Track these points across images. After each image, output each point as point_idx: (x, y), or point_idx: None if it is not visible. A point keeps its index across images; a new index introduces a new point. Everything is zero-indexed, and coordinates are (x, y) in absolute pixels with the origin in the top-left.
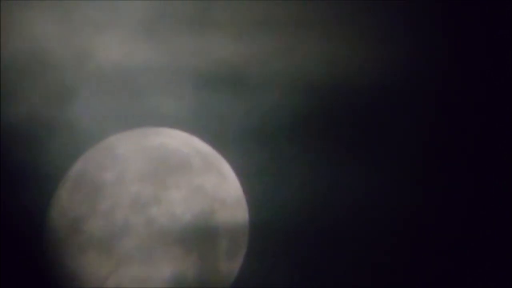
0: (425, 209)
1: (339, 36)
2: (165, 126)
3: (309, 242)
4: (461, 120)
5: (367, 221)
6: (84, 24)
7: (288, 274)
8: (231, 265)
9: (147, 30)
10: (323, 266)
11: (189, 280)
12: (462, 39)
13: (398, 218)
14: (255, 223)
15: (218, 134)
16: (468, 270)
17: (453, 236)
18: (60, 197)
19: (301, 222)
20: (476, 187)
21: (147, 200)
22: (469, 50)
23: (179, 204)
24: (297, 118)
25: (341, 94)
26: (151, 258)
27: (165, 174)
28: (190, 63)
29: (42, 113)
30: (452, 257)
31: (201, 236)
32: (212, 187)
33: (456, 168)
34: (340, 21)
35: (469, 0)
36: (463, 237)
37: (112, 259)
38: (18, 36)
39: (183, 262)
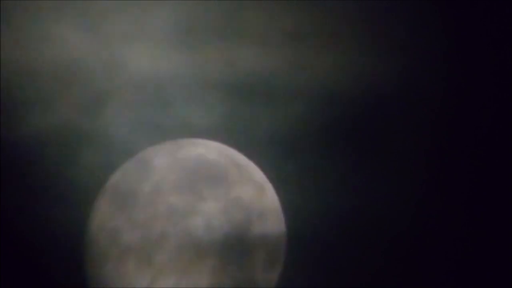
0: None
1: (364, 47)
2: (195, 135)
3: (345, 251)
4: (478, 128)
5: (400, 228)
6: (115, 35)
7: (326, 285)
8: (269, 277)
9: (177, 40)
10: (360, 275)
11: None
12: (479, 46)
13: (428, 227)
14: (291, 234)
15: (247, 144)
16: (471, 269)
17: (460, 237)
18: (98, 209)
19: (337, 231)
20: (480, 189)
21: (184, 211)
22: (488, 58)
23: (216, 216)
24: (324, 127)
25: (365, 103)
26: (188, 270)
27: (202, 185)
28: (219, 74)
29: (74, 123)
30: (457, 257)
31: (238, 248)
32: (249, 198)
33: (470, 175)
34: (365, 33)
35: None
36: (468, 237)
37: (149, 271)
38: (52, 47)
39: (220, 274)
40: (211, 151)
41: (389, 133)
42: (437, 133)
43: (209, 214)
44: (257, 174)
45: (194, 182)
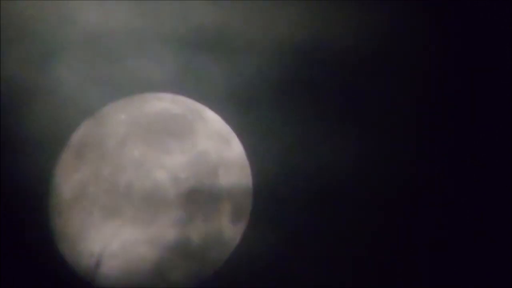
0: (412, 170)
1: (318, 2)
2: (148, 89)
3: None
4: (443, 79)
5: (359, 182)
6: None
7: (292, 238)
8: (235, 229)
9: None
10: (324, 229)
11: (192, 244)
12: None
13: (391, 179)
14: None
15: (201, 97)
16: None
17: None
18: (64, 162)
19: (299, 183)
20: (464, 148)
21: (151, 165)
22: (446, 11)
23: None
24: (277, 81)
25: (319, 58)
26: (155, 222)
27: (168, 139)
28: (171, 27)
29: (23, 79)
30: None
31: (204, 200)
32: (215, 151)
33: (438, 126)
34: None
35: None
36: (457, 202)
37: (115, 223)
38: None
39: (187, 226)
40: (177, 105)
41: (343, 87)
42: (395, 84)
43: (175, 167)
44: (223, 127)
45: (159, 136)
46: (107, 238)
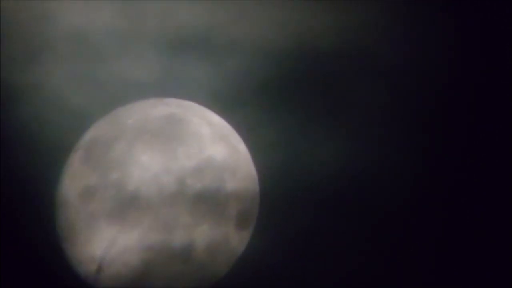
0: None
1: (303, 1)
2: (132, 89)
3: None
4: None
5: (345, 184)
6: None
7: (299, 243)
8: (242, 235)
9: None
10: (331, 230)
11: (198, 249)
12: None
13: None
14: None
15: (184, 99)
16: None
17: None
18: (70, 167)
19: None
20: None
21: (157, 170)
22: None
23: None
24: (261, 82)
25: (302, 59)
26: (161, 227)
27: (175, 144)
28: (155, 28)
29: (6, 78)
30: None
31: (211, 206)
32: (222, 157)
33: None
34: None
35: None
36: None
37: (121, 227)
38: None
39: (193, 231)
40: (183, 110)
41: (325, 87)
42: (376, 84)
43: (182, 173)
44: (229, 132)
45: (166, 141)
46: (112, 242)
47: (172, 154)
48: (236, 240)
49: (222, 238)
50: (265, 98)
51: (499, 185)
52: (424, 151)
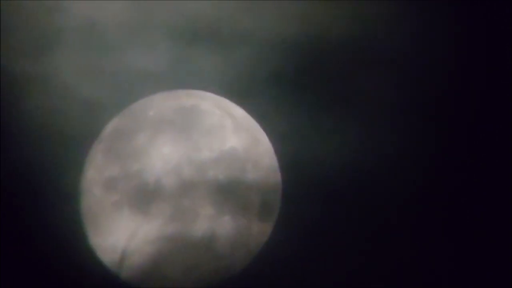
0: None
1: None
2: (141, 80)
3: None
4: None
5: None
6: None
7: (321, 235)
8: (264, 226)
9: None
10: (352, 221)
11: (221, 240)
12: None
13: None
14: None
15: (195, 88)
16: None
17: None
18: (93, 159)
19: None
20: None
21: (179, 161)
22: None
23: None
24: (272, 72)
25: (311, 50)
26: (183, 218)
27: (197, 135)
28: (164, 19)
29: (18, 68)
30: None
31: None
32: (244, 148)
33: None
34: None
35: None
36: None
37: (144, 218)
38: None
39: (215, 222)
40: (205, 101)
41: (336, 78)
42: (389, 74)
43: (204, 164)
44: (251, 123)
45: (188, 132)
46: (135, 232)
47: (194, 145)
48: (258, 231)
49: (244, 229)
50: (276, 89)
51: (505, 184)
52: (436, 140)
